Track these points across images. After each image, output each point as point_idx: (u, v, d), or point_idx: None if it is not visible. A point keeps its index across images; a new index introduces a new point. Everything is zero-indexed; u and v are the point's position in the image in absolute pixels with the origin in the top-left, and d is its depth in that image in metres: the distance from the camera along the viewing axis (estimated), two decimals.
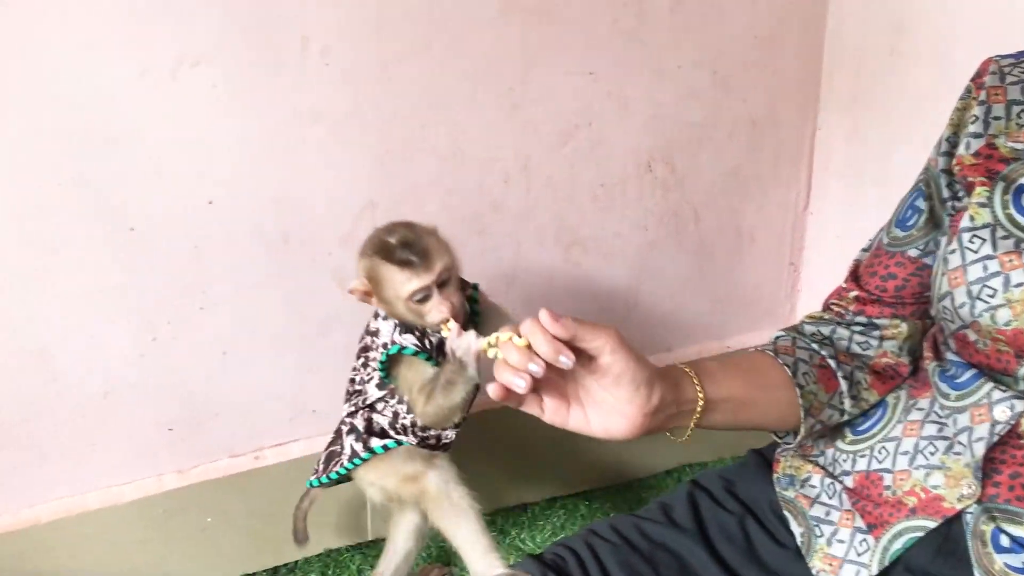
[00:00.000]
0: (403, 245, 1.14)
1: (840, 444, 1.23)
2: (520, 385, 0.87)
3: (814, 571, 1.12)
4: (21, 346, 1.26)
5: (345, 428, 1.30)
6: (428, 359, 1.20)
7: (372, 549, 1.60)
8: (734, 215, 1.84)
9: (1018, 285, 1.06)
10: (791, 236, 1.93)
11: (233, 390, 1.42)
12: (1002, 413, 1.06)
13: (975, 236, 1.12)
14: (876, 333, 1.23)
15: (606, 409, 0.95)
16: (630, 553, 1.15)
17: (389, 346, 1.20)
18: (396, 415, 1.26)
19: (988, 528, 1.04)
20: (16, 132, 1.18)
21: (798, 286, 1.99)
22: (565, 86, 1.54)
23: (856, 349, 1.23)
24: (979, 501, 1.05)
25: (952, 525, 1.07)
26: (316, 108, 1.34)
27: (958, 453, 1.08)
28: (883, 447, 1.16)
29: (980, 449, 1.06)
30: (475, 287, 1.31)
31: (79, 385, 1.31)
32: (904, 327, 1.23)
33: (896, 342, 1.22)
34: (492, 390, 0.88)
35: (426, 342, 1.20)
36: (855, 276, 1.29)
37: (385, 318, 1.23)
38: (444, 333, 1.16)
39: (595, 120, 1.60)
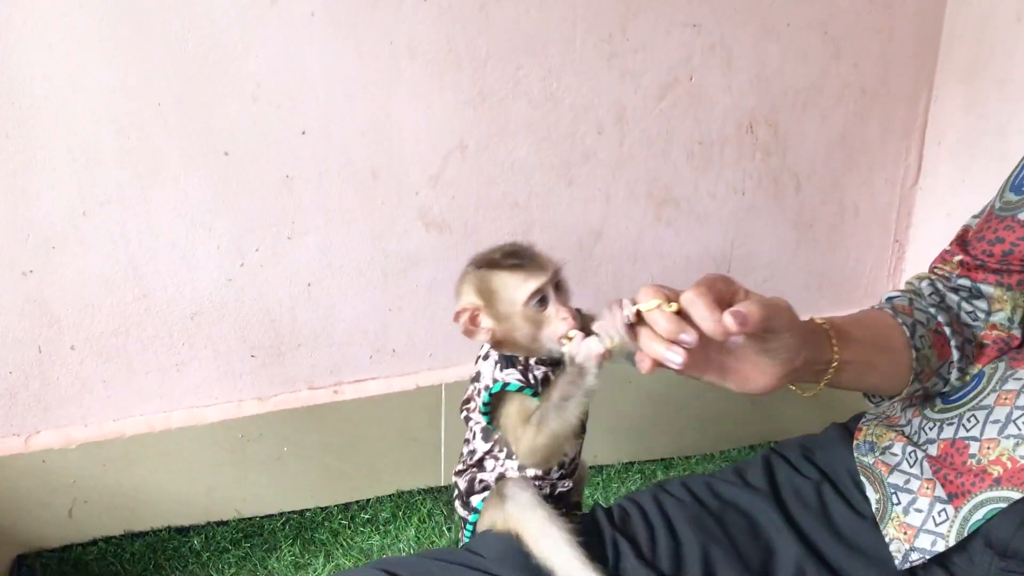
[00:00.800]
0: (509, 254, 1.08)
1: (928, 412, 1.18)
2: (677, 361, 0.84)
3: (888, 539, 1.08)
4: (115, 259, 1.30)
5: (455, 492, 1.21)
6: (534, 395, 1.09)
7: (443, 494, 1.61)
8: (837, 186, 1.76)
9: None
10: (897, 212, 1.84)
11: (316, 322, 1.44)
12: None
13: None
14: (982, 303, 1.17)
15: (748, 367, 0.93)
16: (699, 510, 1.13)
17: (491, 385, 1.11)
18: (503, 476, 1.15)
19: None
20: (121, 52, 1.21)
21: (902, 265, 1.91)
22: (667, 37, 1.51)
23: (966, 319, 1.19)
24: None
25: None
26: (412, 44, 1.34)
27: None
28: (973, 415, 1.11)
29: None
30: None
31: (168, 304, 1.35)
32: (1010, 296, 1.17)
33: (1005, 313, 1.16)
34: (641, 364, 0.86)
35: (530, 376, 1.11)
36: (962, 241, 1.23)
37: (485, 357, 1.14)
38: (564, 346, 1.06)
39: (696, 74, 1.55)
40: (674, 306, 0.85)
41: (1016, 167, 1.20)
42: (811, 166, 1.72)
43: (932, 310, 1.15)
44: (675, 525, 1.12)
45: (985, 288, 1.18)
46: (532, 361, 1.10)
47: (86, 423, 1.37)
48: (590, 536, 1.19)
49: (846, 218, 1.80)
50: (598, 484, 1.68)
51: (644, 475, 1.72)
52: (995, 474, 1.06)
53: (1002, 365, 1.14)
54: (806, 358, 0.97)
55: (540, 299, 1.07)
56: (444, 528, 1.55)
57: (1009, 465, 1.04)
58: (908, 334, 1.09)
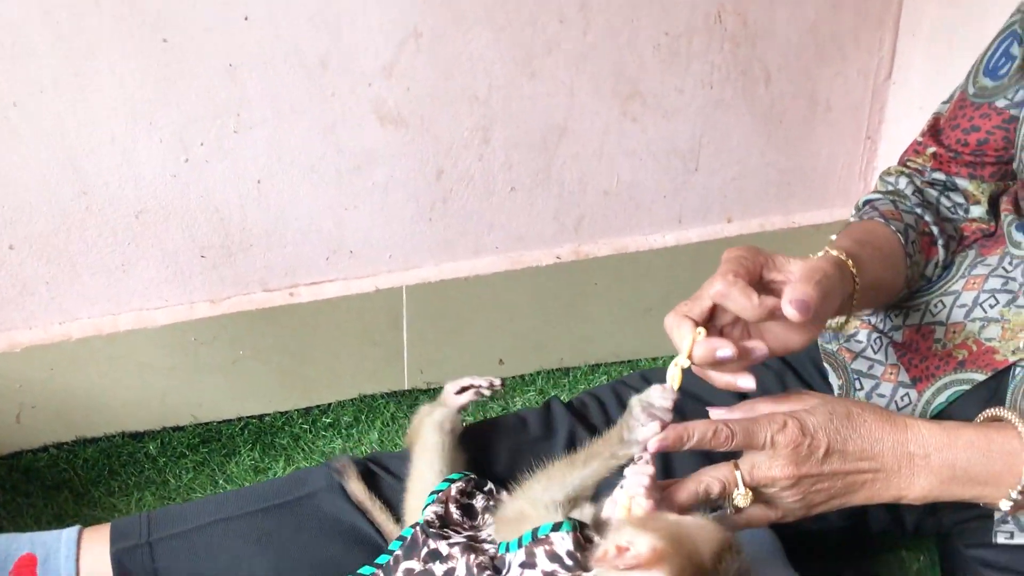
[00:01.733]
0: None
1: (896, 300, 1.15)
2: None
3: None
4: (51, 154, 1.23)
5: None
6: None
7: (407, 398, 1.58)
8: (809, 79, 1.71)
9: None
10: (870, 106, 1.80)
11: (267, 221, 1.39)
12: None
13: None
14: (958, 197, 1.14)
15: (785, 331, 0.91)
16: None
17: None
18: None
19: None
20: None
21: (875, 162, 1.87)
22: None
23: (946, 213, 1.17)
24: None
25: (1001, 381, 1.00)
26: None
27: (1020, 306, 1.00)
28: (940, 301, 1.09)
29: None
30: None
31: (110, 201, 1.29)
32: (983, 189, 1.14)
33: (982, 207, 1.14)
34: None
35: None
36: (934, 130, 1.20)
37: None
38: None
39: None
40: (686, 362, 0.87)
41: (987, 50, 1.16)
42: (782, 58, 1.67)
43: (918, 210, 1.13)
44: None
45: (960, 182, 1.15)
46: None
47: (30, 326, 1.32)
48: (544, 427, 1.17)
49: (817, 113, 1.75)
50: (564, 386, 1.66)
51: (610, 376, 1.70)
52: (960, 357, 1.05)
53: (972, 252, 1.12)
54: (840, 303, 0.96)
55: None
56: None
57: (974, 348, 1.02)
58: (903, 241, 1.08)
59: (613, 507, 0.85)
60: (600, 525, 0.86)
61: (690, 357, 0.87)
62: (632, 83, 1.56)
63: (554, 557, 0.83)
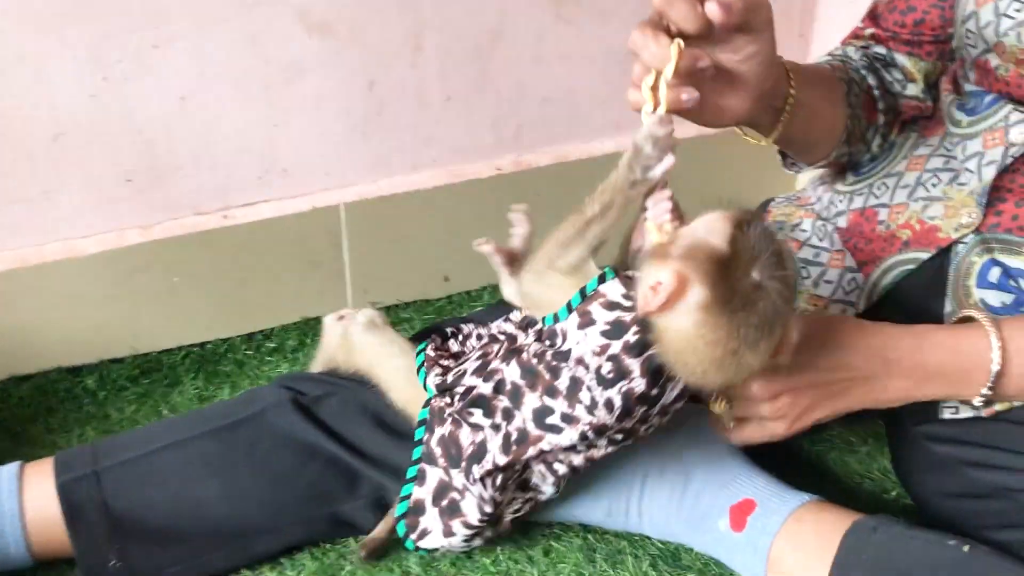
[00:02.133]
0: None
1: (839, 186, 1.16)
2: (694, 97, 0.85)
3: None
4: None
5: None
6: None
7: None
8: None
9: None
10: (801, 4, 1.78)
11: (195, 140, 1.33)
12: (1019, 135, 0.98)
13: None
14: (897, 73, 1.14)
15: (721, 95, 0.90)
16: None
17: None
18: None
19: (980, 260, 0.97)
20: None
21: (807, 60, 1.85)
22: None
23: (889, 87, 1.16)
24: (977, 231, 0.99)
25: (946, 258, 1.01)
26: None
27: (962, 183, 1.01)
28: (883, 183, 1.09)
29: (991, 173, 0.98)
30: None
31: (24, 124, 1.22)
32: (921, 67, 1.14)
33: (918, 85, 1.14)
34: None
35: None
36: (873, 15, 1.21)
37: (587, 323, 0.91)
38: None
39: None
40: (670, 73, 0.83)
41: None
42: None
43: (863, 71, 1.13)
44: None
45: (899, 58, 1.15)
46: None
47: None
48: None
49: None
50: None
51: None
52: (904, 238, 1.05)
53: (914, 134, 1.12)
54: (775, 83, 0.94)
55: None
56: None
57: (917, 227, 1.03)
58: (845, 90, 1.08)
59: (644, 238, 0.89)
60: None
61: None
62: None
63: (611, 306, 0.89)
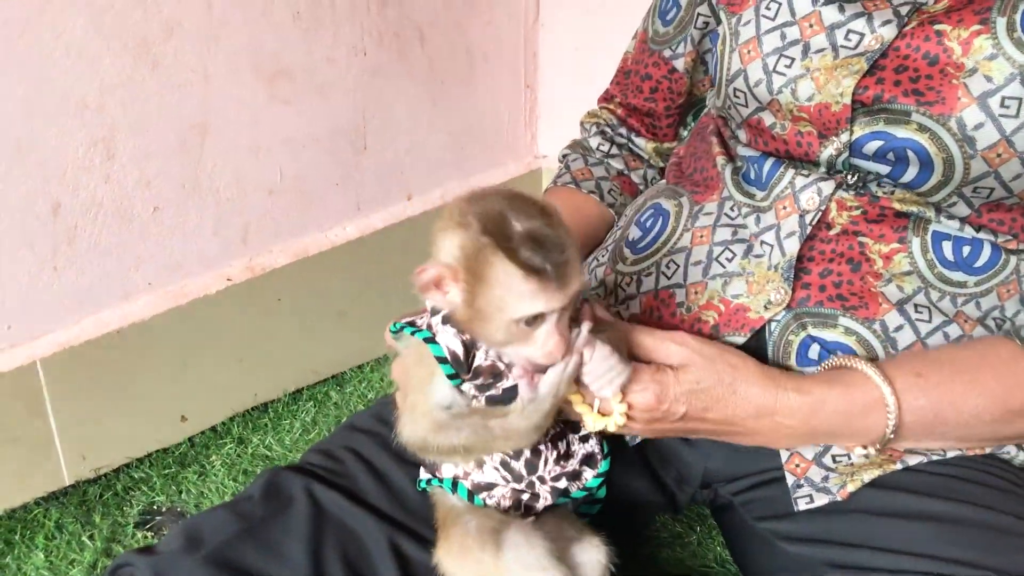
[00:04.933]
0: (536, 241, 0.75)
1: (621, 267, 1.06)
2: None
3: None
4: None
5: None
6: (452, 377, 0.82)
7: (72, 497, 1.25)
8: (462, 33, 1.57)
9: (819, 51, 0.91)
10: (524, 53, 1.70)
11: None
12: (809, 201, 0.92)
13: (772, 1, 0.96)
14: (641, 152, 1.18)
15: None
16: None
17: (418, 327, 0.83)
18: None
19: (797, 338, 0.91)
20: None
21: (536, 111, 1.78)
22: None
23: (639, 152, 1.18)
24: (788, 307, 0.92)
25: (759, 339, 0.93)
26: None
27: (759, 256, 0.94)
28: (671, 261, 1.00)
29: (793, 245, 0.92)
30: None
31: None
32: (657, 147, 1.16)
33: (656, 162, 1.18)
34: None
35: (466, 357, 0.83)
36: (623, 73, 1.18)
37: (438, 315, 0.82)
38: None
39: None
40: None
41: None
42: (432, 14, 1.50)
43: (607, 160, 1.15)
44: (380, 467, 0.95)
45: (638, 141, 1.16)
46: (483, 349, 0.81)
47: None
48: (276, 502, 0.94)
49: (476, 67, 1.62)
50: (266, 427, 1.41)
51: (317, 401, 1.47)
52: (711, 321, 0.96)
53: (686, 200, 1.04)
54: None
55: (535, 318, 0.76)
56: (84, 538, 1.20)
57: (722, 308, 0.94)
58: (598, 198, 1.11)
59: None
60: None
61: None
62: (275, 59, 1.32)
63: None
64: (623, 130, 1.17)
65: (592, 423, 0.82)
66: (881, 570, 0.85)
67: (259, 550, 0.89)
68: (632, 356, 0.84)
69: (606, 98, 1.19)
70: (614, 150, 1.17)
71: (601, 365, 0.79)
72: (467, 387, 0.81)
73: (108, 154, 1.17)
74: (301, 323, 1.45)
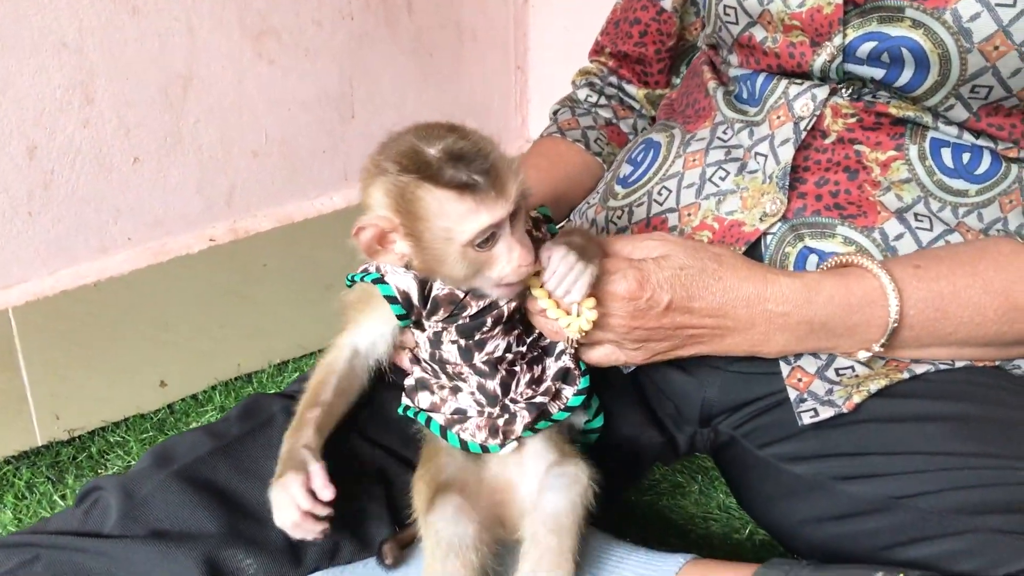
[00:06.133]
0: (456, 158, 0.71)
1: (612, 203, 1.03)
2: None
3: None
4: None
5: None
6: (401, 317, 0.79)
7: (44, 456, 1.20)
8: (452, 6, 1.56)
9: None
10: (514, 33, 1.69)
11: None
12: (804, 107, 0.90)
13: None
14: (632, 102, 1.17)
15: None
16: None
17: (369, 271, 0.79)
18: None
19: (794, 250, 0.88)
20: None
21: (527, 95, 1.76)
22: None
23: (630, 103, 1.17)
24: (784, 218, 0.89)
25: (756, 253, 0.90)
26: None
27: (753, 171, 0.91)
28: (663, 187, 0.97)
29: (788, 152, 0.89)
30: (546, 217, 0.87)
31: None
32: (649, 93, 1.16)
33: (648, 110, 1.17)
34: None
35: (417, 297, 0.79)
36: (598, 48, 1.20)
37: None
38: (540, 304, 0.78)
39: None
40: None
41: None
42: None
43: (595, 110, 1.14)
44: None
45: (630, 89, 1.16)
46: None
47: None
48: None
49: (465, 45, 1.61)
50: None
51: (303, 372, 1.42)
52: (705, 240, 0.93)
53: (678, 131, 1.02)
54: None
55: (489, 238, 0.72)
56: (55, 497, 1.15)
57: (716, 227, 0.91)
58: (584, 147, 1.10)
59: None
60: None
61: None
62: (261, 17, 1.30)
63: None
64: (613, 79, 1.16)
65: (561, 328, 0.78)
66: (895, 474, 0.81)
67: (234, 468, 0.85)
68: None
69: (596, 50, 1.19)
70: (602, 100, 1.17)
71: (561, 265, 0.75)
72: (429, 324, 0.79)
73: (87, 98, 1.15)
74: (287, 293, 1.42)
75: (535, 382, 0.83)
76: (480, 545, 0.78)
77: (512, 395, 0.82)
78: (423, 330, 0.81)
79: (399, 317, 0.78)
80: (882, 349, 0.81)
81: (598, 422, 0.91)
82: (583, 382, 0.84)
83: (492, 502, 0.83)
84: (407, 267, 0.77)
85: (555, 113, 1.17)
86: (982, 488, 0.76)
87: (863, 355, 0.82)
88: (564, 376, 0.84)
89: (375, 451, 0.89)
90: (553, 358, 0.85)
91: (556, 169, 1.10)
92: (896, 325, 0.80)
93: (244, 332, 1.38)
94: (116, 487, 0.82)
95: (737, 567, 0.82)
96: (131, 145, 1.20)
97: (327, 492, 0.73)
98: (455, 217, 0.71)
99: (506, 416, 0.82)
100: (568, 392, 0.85)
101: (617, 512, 1.06)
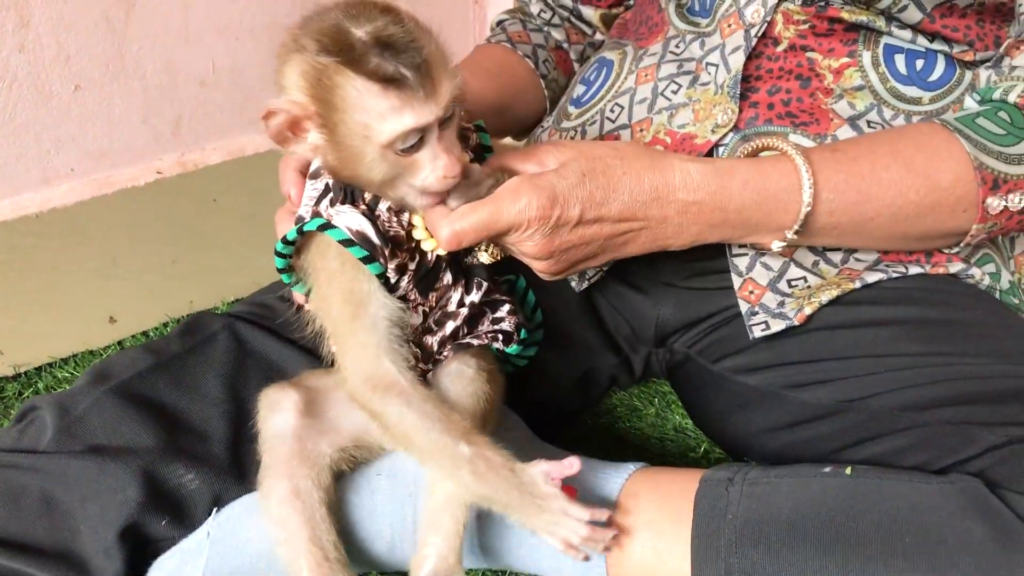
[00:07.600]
0: (384, 45, 0.63)
1: (565, 124, 1.02)
2: None
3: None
4: None
5: None
6: (372, 264, 0.70)
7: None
8: None
9: None
10: None
11: None
12: (755, 14, 0.88)
13: None
14: (586, 27, 1.14)
15: None
16: None
17: (304, 218, 0.70)
18: None
19: None
20: None
21: (486, 31, 1.73)
22: None
23: (581, 27, 1.14)
24: (736, 128, 0.87)
25: None
26: None
27: (705, 83, 0.90)
28: (615, 104, 0.96)
29: (738, 59, 0.88)
30: (480, 128, 0.80)
31: None
32: (603, 14, 1.13)
33: (603, 30, 1.14)
34: None
35: (375, 232, 0.70)
36: None
37: (314, 176, 0.72)
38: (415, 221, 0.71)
39: None
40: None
41: None
42: None
43: (546, 28, 1.10)
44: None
45: (586, 11, 1.12)
46: (384, 207, 0.69)
47: None
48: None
49: None
50: None
51: None
52: None
53: (630, 48, 1.01)
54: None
55: (415, 143, 0.65)
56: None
57: (668, 140, 0.90)
58: (532, 64, 1.06)
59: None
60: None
61: None
62: None
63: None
64: (567, 2, 1.13)
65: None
66: (846, 378, 0.80)
67: (172, 384, 0.83)
68: None
69: None
70: (556, 19, 1.13)
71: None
72: (392, 276, 0.72)
73: (22, 20, 1.10)
74: (239, 229, 1.38)
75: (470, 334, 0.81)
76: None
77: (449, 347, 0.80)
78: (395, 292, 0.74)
79: (364, 260, 0.69)
80: (796, 236, 0.78)
81: (538, 336, 0.89)
82: (523, 333, 0.83)
83: None
84: (326, 169, 0.71)
85: (501, 23, 1.13)
86: (930, 384, 0.75)
87: (777, 245, 0.80)
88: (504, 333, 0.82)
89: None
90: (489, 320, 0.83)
91: (502, 79, 1.03)
92: (810, 209, 0.77)
93: (196, 268, 1.35)
94: (52, 404, 0.79)
95: (686, 472, 0.82)
96: (71, 72, 1.16)
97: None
98: (375, 114, 0.64)
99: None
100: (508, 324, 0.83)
101: (573, 434, 1.05)
